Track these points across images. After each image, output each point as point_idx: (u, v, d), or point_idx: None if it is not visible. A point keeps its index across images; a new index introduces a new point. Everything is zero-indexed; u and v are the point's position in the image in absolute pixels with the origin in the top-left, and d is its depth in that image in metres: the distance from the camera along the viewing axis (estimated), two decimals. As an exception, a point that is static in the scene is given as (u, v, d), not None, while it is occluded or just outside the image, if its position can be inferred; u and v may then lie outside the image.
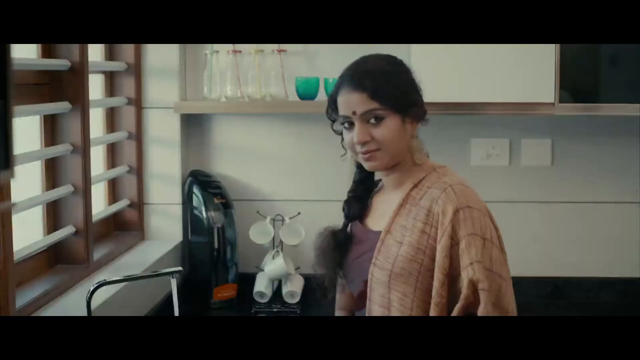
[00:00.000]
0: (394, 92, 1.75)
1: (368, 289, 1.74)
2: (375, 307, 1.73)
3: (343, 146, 1.85)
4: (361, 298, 1.78)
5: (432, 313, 1.66)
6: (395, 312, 1.70)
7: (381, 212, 1.83)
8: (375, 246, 1.75)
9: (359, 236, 1.85)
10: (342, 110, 1.78)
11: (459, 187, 1.72)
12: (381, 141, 1.74)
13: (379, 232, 1.77)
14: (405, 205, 1.76)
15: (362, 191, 1.89)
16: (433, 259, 1.68)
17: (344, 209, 1.90)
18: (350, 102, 1.76)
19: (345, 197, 1.92)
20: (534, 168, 2.88)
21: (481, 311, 1.63)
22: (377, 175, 1.90)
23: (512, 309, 1.69)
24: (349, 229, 1.88)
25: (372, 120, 1.74)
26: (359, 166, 1.87)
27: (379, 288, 1.72)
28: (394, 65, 1.81)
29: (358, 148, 1.76)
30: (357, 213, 1.87)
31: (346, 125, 1.79)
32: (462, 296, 1.64)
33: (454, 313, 1.64)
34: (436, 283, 1.66)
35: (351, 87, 1.76)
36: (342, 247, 1.85)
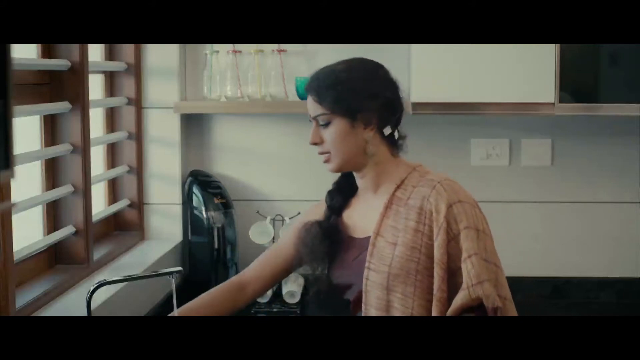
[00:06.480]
0: (338, 97, 1.77)
1: (363, 294, 1.74)
2: (371, 310, 1.73)
3: None
4: (357, 303, 1.78)
5: (434, 309, 1.67)
6: (395, 313, 1.70)
7: (361, 217, 1.83)
8: (364, 251, 1.75)
9: (344, 242, 1.84)
10: None
11: (447, 183, 1.74)
12: (329, 144, 1.79)
13: (365, 238, 1.77)
14: (391, 207, 1.76)
15: (345, 186, 1.90)
16: (429, 257, 1.69)
17: (326, 200, 1.91)
18: (307, 105, 1.83)
19: None
20: (534, 168, 2.88)
21: (488, 301, 1.64)
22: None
23: (509, 296, 1.72)
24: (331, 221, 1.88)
25: (321, 123, 1.80)
26: None
27: (375, 291, 1.72)
28: (356, 71, 1.81)
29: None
30: (339, 207, 1.88)
31: None
32: (463, 288, 1.66)
33: (455, 306, 1.65)
34: (436, 279, 1.67)
35: (306, 90, 1.84)
36: (328, 236, 1.85)
